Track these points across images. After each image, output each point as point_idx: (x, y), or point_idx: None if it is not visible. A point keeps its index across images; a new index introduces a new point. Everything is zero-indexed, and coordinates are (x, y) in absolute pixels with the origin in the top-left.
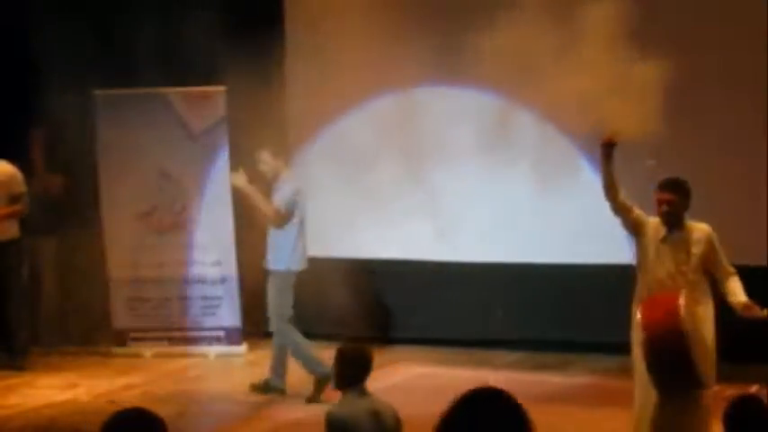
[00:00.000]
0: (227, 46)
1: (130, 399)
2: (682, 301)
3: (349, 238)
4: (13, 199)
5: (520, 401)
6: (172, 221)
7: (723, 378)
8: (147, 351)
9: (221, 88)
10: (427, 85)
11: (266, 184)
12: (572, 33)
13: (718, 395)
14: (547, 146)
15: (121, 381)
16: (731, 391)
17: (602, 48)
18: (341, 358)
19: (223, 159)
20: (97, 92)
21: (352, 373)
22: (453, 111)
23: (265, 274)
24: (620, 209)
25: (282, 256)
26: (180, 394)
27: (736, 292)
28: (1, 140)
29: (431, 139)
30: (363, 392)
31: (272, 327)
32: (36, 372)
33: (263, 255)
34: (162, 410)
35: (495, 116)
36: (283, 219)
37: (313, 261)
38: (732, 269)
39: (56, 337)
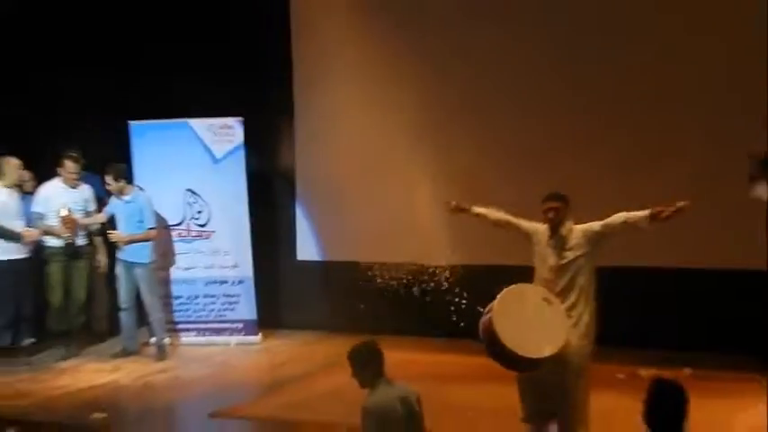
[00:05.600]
0: (244, 81)
1: (164, 381)
2: (496, 302)
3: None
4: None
5: None
6: (198, 231)
7: (656, 362)
8: (178, 340)
9: (239, 119)
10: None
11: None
12: None
13: (637, 376)
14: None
15: (157, 366)
16: (649, 373)
17: None
18: (355, 361)
19: (241, 179)
20: (132, 122)
21: (371, 369)
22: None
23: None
24: (512, 229)
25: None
26: (207, 376)
27: (637, 213)
28: (52, 164)
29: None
30: (388, 382)
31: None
32: (88, 358)
33: (274, 259)
34: (193, 390)
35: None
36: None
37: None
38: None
39: (105, 328)
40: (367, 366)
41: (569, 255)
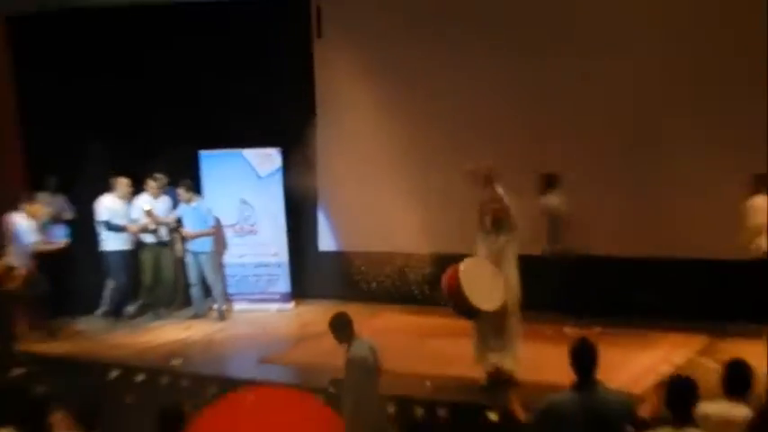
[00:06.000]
0: (282, 118)
1: (223, 337)
2: (463, 265)
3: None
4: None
5: None
6: (248, 229)
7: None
8: (233, 308)
9: (277, 149)
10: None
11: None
12: None
13: (561, 332)
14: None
15: (218, 326)
16: (573, 331)
17: None
18: (334, 327)
19: (279, 192)
20: (202, 152)
21: (345, 331)
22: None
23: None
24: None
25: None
26: (254, 333)
27: None
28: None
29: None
30: (358, 338)
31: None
32: (169, 320)
33: (305, 247)
34: (244, 343)
35: None
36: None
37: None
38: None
39: (181, 299)
40: (343, 330)
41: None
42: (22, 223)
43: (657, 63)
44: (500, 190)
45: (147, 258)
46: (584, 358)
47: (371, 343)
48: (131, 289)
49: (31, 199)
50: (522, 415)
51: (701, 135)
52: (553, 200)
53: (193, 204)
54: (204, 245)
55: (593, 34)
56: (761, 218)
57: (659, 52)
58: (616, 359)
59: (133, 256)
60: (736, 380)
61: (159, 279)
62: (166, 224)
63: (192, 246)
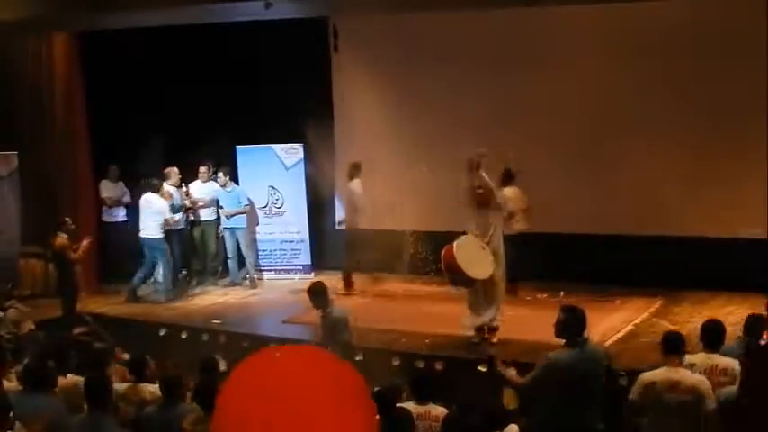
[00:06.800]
0: (306, 117)
1: (255, 301)
2: (456, 242)
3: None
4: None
5: None
6: (276, 211)
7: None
8: (263, 277)
9: (301, 144)
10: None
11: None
12: None
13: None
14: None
15: (250, 292)
16: (544, 296)
17: None
18: (311, 294)
19: (302, 180)
20: (238, 146)
21: (321, 298)
22: None
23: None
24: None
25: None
26: (281, 298)
27: None
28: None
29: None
30: (333, 305)
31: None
32: (210, 287)
33: (322, 227)
34: (273, 306)
35: None
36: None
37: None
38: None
39: (220, 269)
40: (318, 297)
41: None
42: (159, 202)
43: (606, 80)
44: (485, 176)
45: (196, 235)
46: (576, 320)
47: (344, 313)
48: (181, 261)
49: (160, 186)
50: (515, 378)
51: (646, 135)
52: (508, 191)
53: (228, 189)
54: (239, 222)
55: (565, 55)
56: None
57: (612, 70)
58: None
59: (183, 232)
60: (713, 335)
61: (205, 252)
62: (202, 204)
63: (228, 223)
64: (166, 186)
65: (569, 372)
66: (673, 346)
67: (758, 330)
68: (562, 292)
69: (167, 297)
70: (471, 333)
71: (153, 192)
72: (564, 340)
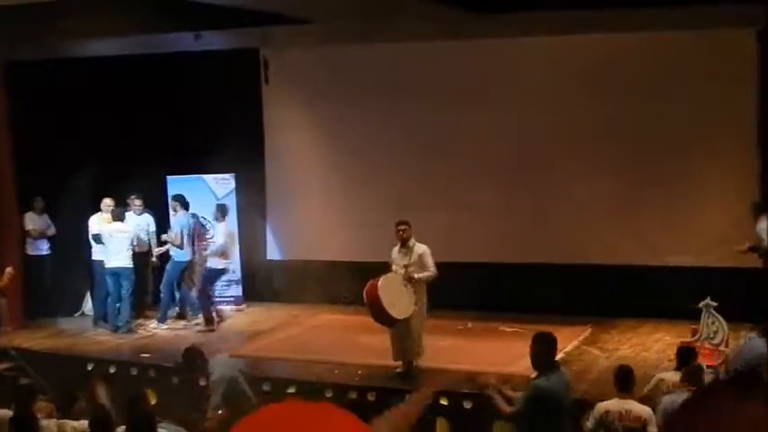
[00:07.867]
0: (237, 149)
1: (186, 334)
2: (380, 282)
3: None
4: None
5: None
6: (206, 241)
7: None
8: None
9: (232, 174)
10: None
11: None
12: None
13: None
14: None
15: (181, 324)
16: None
17: None
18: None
19: (234, 211)
20: (168, 176)
21: (196, 364)
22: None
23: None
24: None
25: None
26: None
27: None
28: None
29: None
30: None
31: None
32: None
33: (253, 258)
34: (204, 339)
35: None
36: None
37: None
38: (432, 268)
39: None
40: (191, 364)
41: (412, 259)
42: (126, 230)
43: (538, 111)
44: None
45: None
46: (549, 347)
47: (230, 369)
48: (115, 293)
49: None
50: (505, 408)
51: (574, 165)
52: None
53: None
54: (177, 254)
55: (501, 94)
56: None
57: (544, 101)
58: (520, 348)
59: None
60: (682, 358)
61: (138, 284)
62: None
63: (162, 254)
64: (97, 215)
65: (556, 397)
66: (624, 381)
67: (690, 360)
68: (470, 323)
69: (128, 328)
70: (396, 363)
71: (118, 220)
72: (538, 371)
